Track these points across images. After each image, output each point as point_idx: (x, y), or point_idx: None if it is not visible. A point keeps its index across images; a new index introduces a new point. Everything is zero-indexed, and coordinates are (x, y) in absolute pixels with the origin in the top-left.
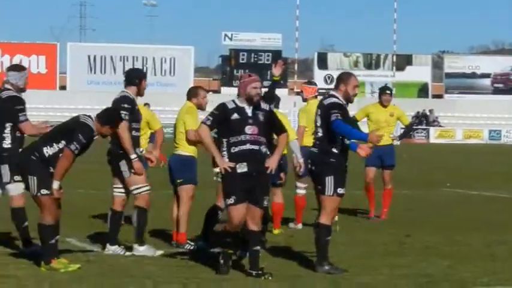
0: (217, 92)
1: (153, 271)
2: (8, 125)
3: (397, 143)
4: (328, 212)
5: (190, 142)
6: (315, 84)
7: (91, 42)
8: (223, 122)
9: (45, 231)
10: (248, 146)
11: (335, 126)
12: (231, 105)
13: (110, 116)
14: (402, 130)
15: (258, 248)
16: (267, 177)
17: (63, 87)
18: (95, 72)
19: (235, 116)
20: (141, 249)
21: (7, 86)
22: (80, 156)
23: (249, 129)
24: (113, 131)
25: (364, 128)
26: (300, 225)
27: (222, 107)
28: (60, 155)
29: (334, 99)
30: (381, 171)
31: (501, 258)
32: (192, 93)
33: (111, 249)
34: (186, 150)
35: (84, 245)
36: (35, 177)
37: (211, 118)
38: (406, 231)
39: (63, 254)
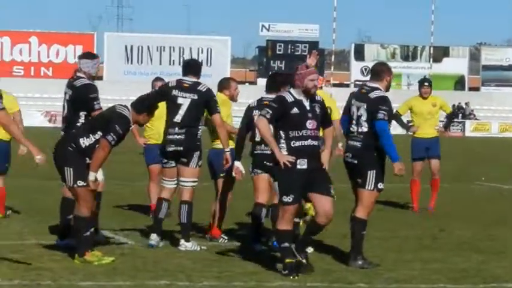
0: (254, 83)
1: (186, 264)
2: (82, 114)
3: (444, 133)
4: (366, 206)
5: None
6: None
7: (128, 32)
8: (282, 116)
9: (80, 223)
10: (309, 142)
11: (381, 126)
12: (289, 99)
13: (144, 103)
14: (445, 120)
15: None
16: (324, 172)
17: (99, 78)
18: (131, 63)
19: (295, 110)
20: (187, 245)
21: (79, 74)
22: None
23: (310, 124)
24: (149, 118)
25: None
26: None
27: (281, 100)
28: (97, 146)
29: (381, 93)
30: (428, 162)
31: None
32: (224, 85)
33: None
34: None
35: (118, 238)
36: (71, 169)
37: (270, 111)
38: (440, 225)
39: (97, 246)
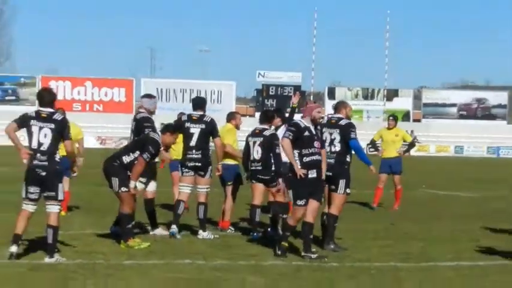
0: (252, 116)
1: (203, 248)
2: None
3: (403, 154)
4: (338, 206)
5: (227, 154)
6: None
7: (159, 77)
8: (297, 138)
9: (124, 218)
10: (316, 157)
11: (355, 143)
12: (302, 125)
13: (167, 126)
14: (406, 146)
15: (311, 236)
16: (322, 182)
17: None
18: (161, 100)
19: (306, 133)
20: (204, 234)
21: (141, 110)
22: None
23: (316, 144)
24: (173, 138)
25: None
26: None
27: (297, 125)
28: (135, 162)
29: (347, 120)
30: (392, 176)
31: (462, 241)
32: (231, 117)
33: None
34: (229, 160)
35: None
36: (117, 179)
37: (291, 134)
38: (391, 221)
39: (137, 235)
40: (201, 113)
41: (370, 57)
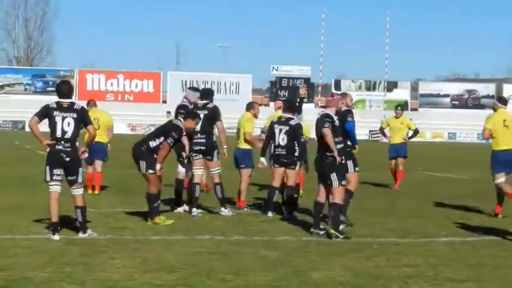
0: (267, 105)
1: (221, 225)
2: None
3: (408, 140)
4: (354, 184)
5: (246, 141)
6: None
7: (184, 71)
8: (332, 127)
9: (151, 197)
10: (342, 145)
11: (349, 125)
12: (332, 115)
13: (188, 113)
14: (411, 133)
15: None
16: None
17: (164, 102)
18: (186, 92)
19: (336, 123)
20: (225, 211)
21: (184, 100)
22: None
23: (339, 133)
24: (194, 122)
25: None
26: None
27: (331, 117)
28: (161, 146)
29: (347, 108)
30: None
31: (455, 219)
32: (250, 106)
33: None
34: (245, 145)
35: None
36: (144, 162)
37: (329, 124)
38: (391, 200)
39: (162, 213)
40: (206, 101)
41: (372, 53)
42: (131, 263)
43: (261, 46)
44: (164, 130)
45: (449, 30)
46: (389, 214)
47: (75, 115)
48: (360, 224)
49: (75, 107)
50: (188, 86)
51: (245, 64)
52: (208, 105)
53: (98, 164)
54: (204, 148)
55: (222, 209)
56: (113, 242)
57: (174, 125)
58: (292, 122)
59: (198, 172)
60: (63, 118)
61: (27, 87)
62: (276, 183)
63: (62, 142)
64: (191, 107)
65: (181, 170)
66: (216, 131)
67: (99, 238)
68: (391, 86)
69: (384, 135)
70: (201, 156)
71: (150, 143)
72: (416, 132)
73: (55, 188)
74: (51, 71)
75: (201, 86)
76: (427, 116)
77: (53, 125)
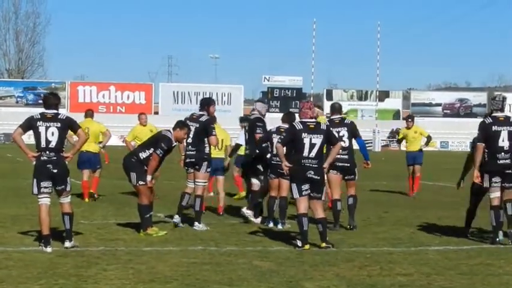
0: None
1: (215, 235)
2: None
3: (424, 148)
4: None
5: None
6: None
7: (175, 82)
8: None
9: (142, 209)
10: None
11: (361, 141)
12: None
13: (177, 122)
14: (425, 140)
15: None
16: None
17: (156, 113)
18: (177, 103)
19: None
20: (200, 226)
21: (254, 112)
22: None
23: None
24: (183, 132)
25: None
26: None
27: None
28: (151, 158)
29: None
30: (412, 167)
31: (449, 227)
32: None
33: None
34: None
35: (168, 219)
36: (134, 173)
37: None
38: (384, 209)
39: (155, 224)
40: (201, 112)
41: (364, 62)
42: (124, 274)
43: (252, 56)
44: (154, 141)
45: (440, 40)
46: (382, 223)
47: (59, 124)
48: (353, 233)
49: (59, 116)
50: (176, 98)
51: (236, 75)
52: (201, 118)
53: (85, 172)
54: (193, 160)
55: (196, 223)
56: (106, 254)
57: (163, 135)
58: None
59: (191, 185)
60: (47, 128)
61: (18, 99)
62: (274, 193)
63: (47, 152)
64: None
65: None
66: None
67: (91, 250)
68: (383, 95)
69: (400, 144)
70: (192, 170)
71: (140, 154)
72: (429, 138)
73: (44, 200)
74: (43, 83)
75: (193, 98)
76: (419, 125)
77: (37, 136)
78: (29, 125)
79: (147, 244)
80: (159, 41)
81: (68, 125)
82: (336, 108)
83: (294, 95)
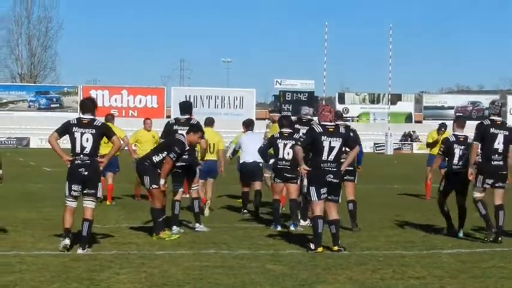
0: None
1: (227, 239)
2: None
3: None
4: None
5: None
6: None
7: (187, 86)
8: None
9: (155, 212)
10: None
11: (360, 148)
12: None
13: (191, 126)
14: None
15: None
16: None
17: (168, 117)
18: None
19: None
20: (200, 227)
21: (304, 116)
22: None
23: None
24: (197, 136)
25: None
26: None
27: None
28: (164, 161)
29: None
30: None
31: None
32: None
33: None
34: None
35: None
36: (147, 177)
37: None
38: (396, 212)
39: (168, 227)
40: (188, 116)
41: (376, 65)
42: (137, 278)
43: (264, 60)
44: (167, 145)
45: (452, 43)
46: (394, 226)
47: (93, 131)
48: (365, 236)
49: (95, 123)
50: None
51: (248, 78)
52: (191, 122)
53: (109, 176)
54: (187, 164)
55: (197, 224)
56: (119, 258)
57: (176, 139)
58: (296, 136)
59: (180, 189)
60: (82, 134)
61: (31, 104)
62: (278, 196)
63: (81, 156)
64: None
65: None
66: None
67: (104, 253)
68: (395, 98)
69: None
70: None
71: (154, 158)
72: None
73: (71, 203)
74: (55, 87)
75: (205, 101)
76: (432, 128)
77: (72, 141)
78: (65, 129)
79: (160, 248)
80: (172, 45)
81: (103, 132)
82: (339, 115)
83: (306, 98)
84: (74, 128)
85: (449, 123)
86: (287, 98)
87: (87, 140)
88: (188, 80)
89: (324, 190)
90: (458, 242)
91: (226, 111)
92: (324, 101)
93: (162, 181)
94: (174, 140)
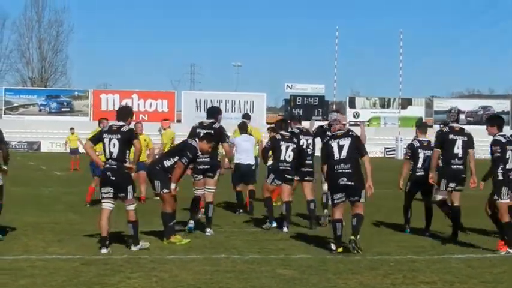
0: None
1: (238, 243)
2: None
3: None
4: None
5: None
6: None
7: (197, 90)
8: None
9: (166, 217)
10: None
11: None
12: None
13: (205, 135)
14: None
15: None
16: None
17: (179, 121)
18: (200, 111)
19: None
20: (211, 231)
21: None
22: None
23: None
24: (208, 146)
25: None
26: None
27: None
28: (175, 166)
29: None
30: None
31: (473, 236)
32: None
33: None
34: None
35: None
36: (159, 181)
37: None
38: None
39: (178, 232)
40: (212, 120)
41: (386, 70)
42: (148, 282)
43: (274, 64)
44: (179, 150)
45: (463, 47)
46: (402, 232)
47: (119, 136)
48: (376, 241)
49: (121, 129)
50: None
51: (259, 83)
52: (214, 125)
53: (95, 179)
54: (208, 167)
55: (208, 229)
56: (130, 262)
57: (189, 144)
58: (296, 139)
59: (199, 192)
60: (110, 140)
61: (41, 108)
62: (270, 194)
63: (109, 161)
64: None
65: (199, 193)
66: (222, 151)
67: (115, 258)
68: (406, 103)
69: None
70: (201, 177)
71: (165, 162)
72: None
73: (105, 205)
74: (66, 91)
75: (215, 105)
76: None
77: (103, 147)
78: (98, 137)
79: (171, 252)
80: (182, 49)
81: (128, 137)
82: (296, 118)
83: (317, 102)
84: (105, 134)
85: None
86: (297, 102)
87: (113, 146)
88: (199, 84)
89: (337, 196)
90: (469, 247)
91: (236, 116)
92: (334, 106)
93: (173, 185)
94: (187, 145)
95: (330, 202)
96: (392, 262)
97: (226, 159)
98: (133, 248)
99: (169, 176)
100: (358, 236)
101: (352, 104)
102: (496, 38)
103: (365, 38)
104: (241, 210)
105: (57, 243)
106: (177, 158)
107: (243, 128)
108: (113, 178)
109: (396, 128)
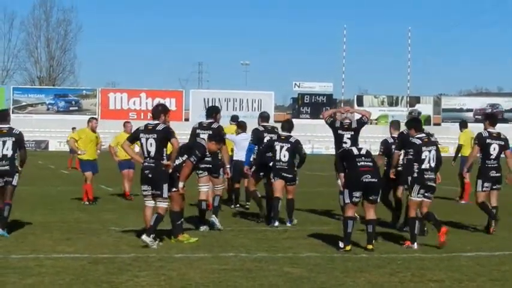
0: None
1: (246, 242)
2: None
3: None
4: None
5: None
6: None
7: (205, 89)
8: None
9: (174, 215)
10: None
11: (250, 146)
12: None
13: (214, 136)
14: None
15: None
16: None
17: (186, 120)
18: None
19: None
20: (216, 221)
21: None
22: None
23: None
24: (217, 147)
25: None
26: None
27: None
28: (184, 164)
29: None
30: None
31: (480, 233)
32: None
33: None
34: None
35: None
36: (166, 184)
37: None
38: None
39: (186, 230)
40: (211, 120)
41: (394, 68)
42: (155, 281)
43: (282, 63)
44: (188, 148)
45: (471, 44)
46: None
47: (155, 135)
48: (384, 239)
49: (157, 128)
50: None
51: (267, 81)
52: (213, 126)
53: (88, 176)
54: (210, 166)
55: (213, 216)
56: (137, 260)
57: (198, 143)
58: (292, 140)
59: (204, 189)
60: (147, 139)
61: (49, 106)
62: (279, 194)
63: (147, 159)
64: (197, 126)
65: (203, 189)
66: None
67: (123, 256)
68: (414, 101)
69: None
70: (206, 173)
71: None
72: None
73: (146, 203)
74: (74, 90)
75: (223, 104)
76: (451, 130)
77: (141, 146)
78: (135, 136)
79: (178, 251)
80: (190, 48)
81: (164, 135)
82: (266, 118)
83: (325, 101)
84: (141, 134)
85: (469, 126)
86: (305, 101)
87: (151, 145)
88: (207, 82)
89: (357, 194)
90: (478, 245)
91: (244, 114)
92: (342, 104)
93: (180, 184)
94: (196, 144)
95: (346, 200)
96: (400, 260)
97: (228, 166)
98: (143, 237)
99: (178, 174)
100: (374, 243)
101: (360, 102)
102: (504, 36)
103: (373, 36)
104: (238, 205)
105: (65, 242)
106: (185, 156)
107: (242, 127)
108: (150, 176)
109: (403, 126)
